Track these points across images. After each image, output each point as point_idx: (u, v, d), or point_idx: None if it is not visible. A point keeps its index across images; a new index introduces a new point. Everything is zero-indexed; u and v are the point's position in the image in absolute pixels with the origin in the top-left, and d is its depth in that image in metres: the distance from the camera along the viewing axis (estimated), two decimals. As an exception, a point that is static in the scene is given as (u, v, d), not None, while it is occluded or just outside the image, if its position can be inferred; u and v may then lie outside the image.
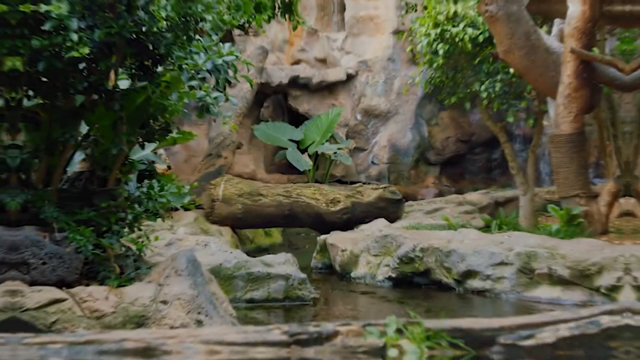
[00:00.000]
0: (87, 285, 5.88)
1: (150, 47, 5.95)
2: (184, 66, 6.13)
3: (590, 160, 16.12)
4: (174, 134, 6.89)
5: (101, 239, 6.07)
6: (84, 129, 6.43)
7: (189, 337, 3.12)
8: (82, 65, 5.86)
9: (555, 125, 10.14)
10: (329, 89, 17.34)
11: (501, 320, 3.20)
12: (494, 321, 3.21)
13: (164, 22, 5.88)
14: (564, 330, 3.18)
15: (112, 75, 5.89)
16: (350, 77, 17.33)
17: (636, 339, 3.14)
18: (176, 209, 7.11)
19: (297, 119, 17.09)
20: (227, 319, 6.07)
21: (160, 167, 8.45)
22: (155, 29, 5.81)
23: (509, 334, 3.18)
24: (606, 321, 3.19)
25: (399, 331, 3.17)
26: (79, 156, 6.70)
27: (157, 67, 6.18)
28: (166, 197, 6.66)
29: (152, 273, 6.15)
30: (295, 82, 16.99)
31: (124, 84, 6.25)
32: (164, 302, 5.66)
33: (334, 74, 17.21)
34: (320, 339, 3.11)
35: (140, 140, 6.61)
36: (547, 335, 3.16)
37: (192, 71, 6.19)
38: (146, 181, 6.77)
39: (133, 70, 6.20)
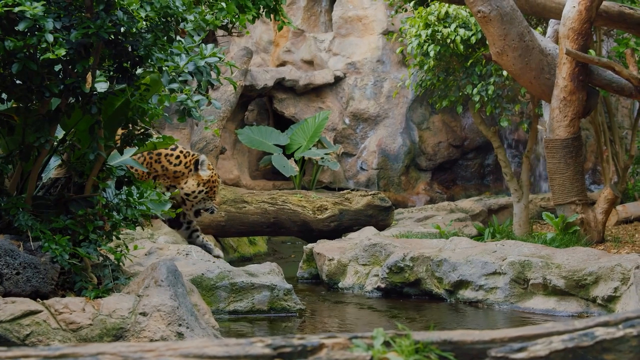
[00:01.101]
0: (63, 296, 5.90)
1: (129, 49, 5.86)
2: (164, 68, 5.99)
3: (587, 166, 16.08)
4: (154, 139, 6.77)
5: (78, 248, 6.00)
6: (59, 133, 6.41)
7: (168, 350, 2.97)
8: (57, 67, 5.80)
9: (550, 129, 10.08)
10: (316, 91, 17.17)
11: (492, 333, 3.09)
12: (485, 333, 3.09)
13: (144, 23, 5.79)
14: (557, 343, 3.05)
15: (89, 77, 5.84)
16: (338, 80, 17.16)
17: (631, 352, 3.06)
18: (156, 217, 6.98)
19: (283, 123, 16.92)
20: (209, 331, 6.03)
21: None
22: (134, 30, 5.74)
23: (500, 346, 3.06)
24: (601, 333, 3.07)
25: (386, 344, 3.05)
26: (54, 162, 6.62)
27: (136, 69, 6.06)
28: (146, 205, 6.53)
29: (131, 283, 6.10)
30: (280, 85, 16.82)
31: (101, 86, 6.12)
32: (143, 314, 5.66)
33: (321, 76, 17.03)
34: (305, 352, 2.98)
35: (119, 145, 6.48)
36: (539, 348, 3.04)
37: (173, 73, 6.08)
38: (125, 188, 6.64)
39: (111, 73, 6.08)
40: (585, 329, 3.12)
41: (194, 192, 9.06)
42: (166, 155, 8.98)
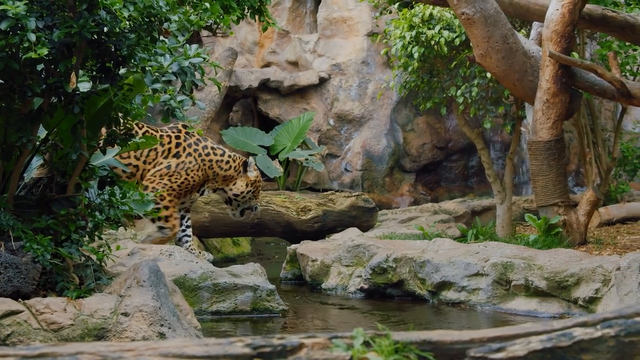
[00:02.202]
0: (45, 296, 5.85)
1: (112, 48, 5.82)
2: (147, 68, 5.99)
3: (570, 168, 16.14)
4: (137, 139, 6.75)
5: (60, 248, 5.96)
6: (42, 133, 6.34)
7: (148, 350, 2.94)
8: (40, 67, 5.77)
9: (533, 131, 10.08)
10: (300, 93, 17.15)
11: (471, 333, 3.08)
12: (464, 334, 3.08)
13: (127, 23, 5.75)
14: (535, 343, 3.05)
15: (72, 77, 5.77)
16: (322, 81, 17.14)
17: (609, 352, 3.06)
18: (139, 217, 6.95)
19: (268, 123, 16.90)
20: (192, 332, 6.05)
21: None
22: (117, 30, 5.70)
23: (479, 346, 3.05)
24: (579, 334, 3.07)
25: (366, 344, 3.03)
26: (36, 161, 6.56)
27: (119, 69, 6.03)
28: (128, 205, 6.49)
29: (113, 284, 6.08)
30: (265, 86, 16.79)
31: (84, 86, 6.07)
32: (125, 314, 5.66)
33: (306, 78, 17.01)
34: (284, 352, 2.97)
35: (102, 145, 6.43)
36: (518, 348, 3.04)
37: (157, 73, 6.08)
38: (107, 188, 6.60)
39: (94, 72, 6.05)
40: (564, 330, 3.13)
41: (242, 192, 9.58)
42: (217, 162, 9.38)
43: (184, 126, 9.36)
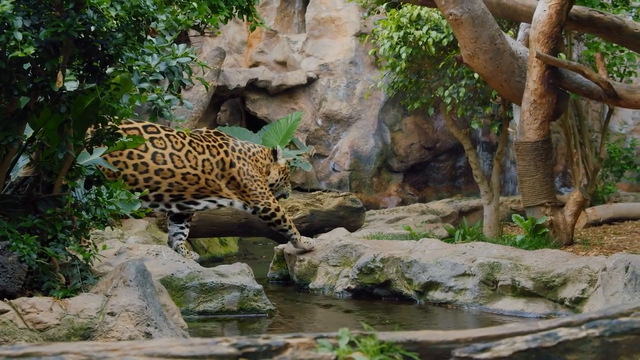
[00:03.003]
0: (31, 295, 5.83)
1: (99, 48, 5.81)
2: (134, 67, 5.98)
3: (557, 169, 16.18)
4: (124, 139, 6.72)
5: (46, 248, 5.95)
6: (28, 132, 6.31)
7: (133, 349, 2.96)
8: (26, 66, 5.75)
9: (521, 132, 10.09)
10: (288, 92, 17.13)
11: (457, 333, 3.11)
12: (449, 334, 3.11)
13: (114, 22, 5.74)
14: (520, 343, 3.09)
15: (59, 76, 5.76)
16: (310, 81, 17.13)
17: (593, 352, 3.09)
18: (126, 217, 6.93)
19: (256, 123, 16.88)
20: (178, 332, 6.07)
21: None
22: (104, 29, 5.69)
23: (464, 346, 3.08)
24: (564, 334, 3.11)
25: (351, 344, 3.06)
26: (23, 161, 6.53)
27: (106, 68, 6.02)
28: (115, 204, 6.47)
29: (100, 283, 6.06)
30: (253, 86, 16.77)
31: (71, 85, 6.08)
32: (112, 314, 5.66)
33: (294, 77, 17.00)
34: (270, 352, 2.99)
35: (88, 144, 6.43)
36: (503, 348, 3.07)
37: (144, 73, 6.06)
38: (94, 187, 6.59)
39: (81, 72, 6.05)
40: (549, 330, 3.15)
41: (277, 180, 9.71)
42: (256, 153, 9.49)
43: (216, 133, 9.47)
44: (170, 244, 9.44)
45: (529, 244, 9.64)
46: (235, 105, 17.60)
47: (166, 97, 6.19)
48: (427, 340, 3.10)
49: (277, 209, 9.34)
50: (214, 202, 9.20)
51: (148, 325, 5.67)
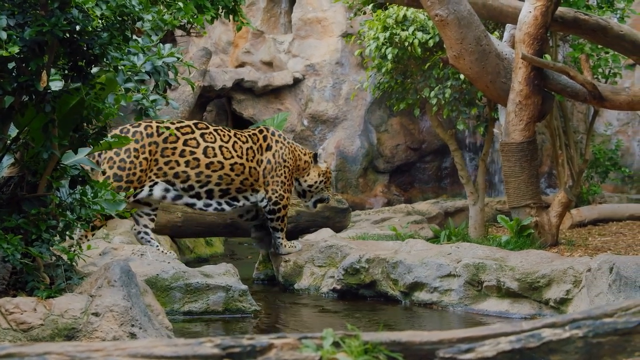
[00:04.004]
0: (14, 296, 5.79)
1: (85, 47, 5.78)
2: (120, 67, 5.96)
3: (543, 170, 16.22)
4: (109, 138, 6.69)
5: (30, 248, 5.89)
6: (13, 131, 6.24)
7: (116, 350, 2.95)
8: (11, 65, 5.68)
9: (506, 133, 10.10)
10: (274, 93, 17.13)
11: (441, 334, 3.10)
12: (433, 334, 3.11)
13: (99, 21, 5.71)
14: (504, 344, 3.09)
15: (43, 75, 5.72)
16: (297, 81, 17.13)
17: (577, 353, 3.09)
18: (112, 217, 6.91)
19: (242, 124, 16.83)
20: (163, 332, 6.04)
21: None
22: (89, 28, 5.65)
23: (448, 347, 3.08)
24: (547, 334, 3.10)
25: (336, 344, 3.05)
26: (7, 160, 6.43)
27: (91, 68, 5.98)
28: (100, 204, 6.43)
29: (84, 283, 6.04)
30: (239, 86, 16.75)
31: (56, 85, 6.01)
32: (96, 314, 5.64)
33: (280, 78, 16.99)
34: (254, 353, 2.97)
35: (74, 144, 6.36)
36: (487, 349, 3.07)
37: (129, 72, 6.05)
38: (79, 187, 6.53)
39: (66, 71, 6.01)
40: (532, 330, 3.15)
41: (315, 182, 9.93)
42: (296, 146, 9.80)
43: (266, 128, 9.78)
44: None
45: (514, 245, 9.64)
46: (221, 106, 17.58)
47: (151, 97, 6.16)
48: (411, 341, 3.10)
49: (285, 207, 9.56)
50: (248, 199, 9.48)
51: (132, 325, 5.65)
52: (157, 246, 9.25)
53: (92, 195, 6.44)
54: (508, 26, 11.02)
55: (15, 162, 6.42)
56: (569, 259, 8.49)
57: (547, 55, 10.50)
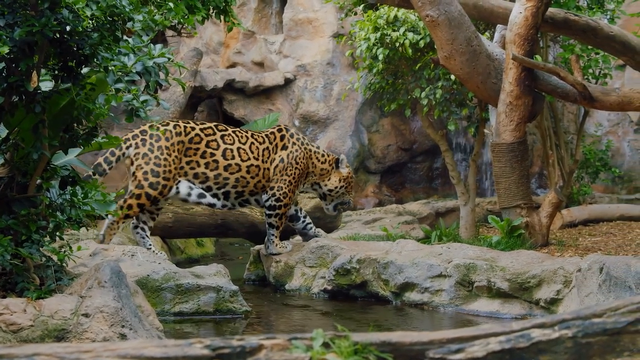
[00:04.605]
0: (4, 297, 5.78)
1: (75, 47, 5.78)
2: (110, 68, 5.94)
3: (533, 170, 16.24)
4: (100, 139, 6.67)
5: (20, 249, 5.89)
6: (2, 132, 6.21)
7: (106, 351, 2.95)
8: (1, 65, 5.68)
9: (497, 133, 10.11)
10: (266, 93, 17.10)
11: (431, 334, 3.12)
12: (423, 335, 3.12)
13: (89, 22, 5.72)
14: (494, 344, 3.10)
15: (33, 76, 5.72)
16: (288, 82, 17.11)
17: (566, 353, 3.11)
18: (102, 218, 6.89)
19: (233, 124, 16.53)
20: (153, 333, 6.02)
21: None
22: (79, 29, 5.66)
23: (438, 347, 3.09)
24: (537, 335, 3.12)
25: (325, 345, 3.05)
26: None
27: (81, 68, 5.99)
28: (90, 205, 6.44)
29: (74, 284, 6.02)
30: (230, 86, 16.72)
31: (46, 85, 6.04)
32: (86, 315, 5.63)
33: (272, 78, 16.97)
34: (243, 354, 2.98)
35: (64, 144, 6.38)
36: (477, 349, 3.08)
37: (120, 73, 6.01)
38: (69, 188, 6.52)
39: (56, 71, 6.00)
40: (522, 331, 3.16)
41: (336, 187, 10.04)
42: (315, 152, 9.93)
43: (286, 128, 9.91)
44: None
45: (504, 245, 9.65)
46: (212, 106, 17.55)
47: (142, 98, 6.13)
48: (401, 341, 3.10)
49: (286, 206, 9.63)
50: (258, 202, 9.67)
51: (123, 326, 5.64)
52: (150, 244, 9.27)
53: (82, 195, 6.44)
54: (499, 27, 11.03)
55: (5, 163, 6.39)
56: (560, 259, 8.51)
57: (537, 56, 10.51)
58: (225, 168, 9.29)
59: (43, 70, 6.05)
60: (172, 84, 13.61)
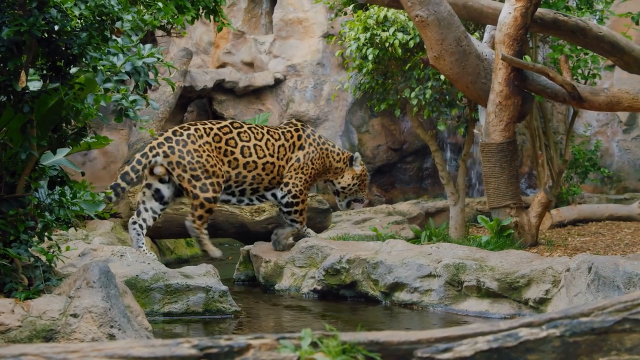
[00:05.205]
0: (-8, 297, 5.74)
1: (63, 47, 5.80)
2: (98, 67, 5.95)
3: (523, 170, 16.27)
4: (89, 139, 6.67)
5: (8, 249, 5.92)
6: (-10, 132, 6.24)
7: (93, 351, 2.95)
8: (-11, 65, 5.69)
9: (486, 133, 10.12)
10: (255, 93, 17.09)
11: (419, 334, 3.13)
12: (411, 334, 3.13)
13: (78, 21, 5.76)
14: (482, 344, 3.11)
15: (22, 75, 5.75)
16: (278, 82, 17.11)
17: (554, 352, 3.12)
18: (91, 218, 6.88)
19: (223, 124, 16.75)
20: (142, 333, 6.05)
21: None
22: (68, 28, 5.69)
23: (426, 347, 3.10)
24: (525, 334, 3.14)
25: (314, 344, 3.06)
26: None
27: (70, 68, 6.01)
28: (79, 205, 6.45)
29: (63, 285, 6.04)
30: (220, 86, 16.71)
31: (34, 85, 6.06)
32: (74, 316, 5.64)
33: (261, 78, 16.97)
34: (231, 353, 2.98)
35: (52, 144, 6.40)
36: (465, 349, 3.09)
37: (108, 73, 6.02)
38: (58, 188, 6.55)
39: (44, 71, 6.02)
40: (510, 330, 3.17)
41: (349, 184, 10.26)
42: (331, 151, 10.08)
43: (298, 120, 10.16)
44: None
45: (494, 245, 9.64)
46: (202, 106, 17.53)
47: (131, 98, 6.15)
48: (389, 341, 3.10)
49: (303, 202, 9.83)
50: (276, 196, 9.82)
51: (111, 326, 5.66)
52: (143, 243, 9.26)
53: (71, 196, 6.44)
54: (488, 27, 11.04)
55: (-7, 163, 6.44)
56: (549, 259, 8.53)
57: (526, 56, 10.52)
58: (244, 166, 9.45)
59: (31, 70, 6.09)
60: (161, 84, 13.56)
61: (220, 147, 9.33)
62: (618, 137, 16.86)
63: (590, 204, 14.68)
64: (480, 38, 11.37)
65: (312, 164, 9.80)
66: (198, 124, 9.42)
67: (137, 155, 9.02)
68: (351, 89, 12.70)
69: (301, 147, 9.79)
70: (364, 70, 11.80)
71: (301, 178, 9.72)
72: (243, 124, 9.63)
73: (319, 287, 9.06)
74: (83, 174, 8.68)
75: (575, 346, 3.13)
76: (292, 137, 9.79)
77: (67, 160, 6.99)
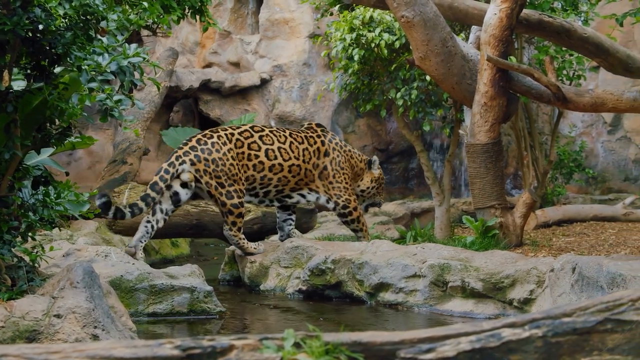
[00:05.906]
0: (-25, 298, 5.71)
1: (47, 47, 5.78)
2: (83, 67, 5.93)
3: (508, 171, 16.32)
4: (73, 139, 6.65)
5: (-9, 249, 5.82)
6: (-27, 132, 6.19)
7: (75, 352, 2.93)
8: (-28, 65, 5.67)
9: (471, 134, 10.14)
10: (241, 93, 17.09)
11: (402, 334, 3.14)
12: (394, 334, 3.14)
13: (62, 20, 5.72)
14: (464, 344, 3.13)
15: (5, 75, 5.74)
16: (264, 82, 17.11)
17: (536, 352, 3.14)
18: (75, 218, 6.85)
19: (209, 124, 16.67)
20: (126, 334, 6.01)
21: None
22: (52, 27, 5.65)
23: (409, 347, 3.10)
24: (507, 334, 3.16)
25: (297, 345, 3.07)
26: None
27: (54, 68, 5.98)
28: (63, 205, 6.43)
29: (46, 285, 6.00)
30: (206, 86, 16.70)
31: (18, 84, 6.04)
32: (58, 316, 5.60)
33: (247, 79, 16.96)
34: (214, 354, 2.98)
35: (37, 144, 6.36)
36: (447, 349, 3.11)
37: (93, 72, 5.99)
38: (42, 188, 6.53)
39: (29, 71, 5.99)
40: (493, 330, 3.17)
41: (368, 187, 10.30)
42: (353, 153, 10.11)
43: (318, 125, 10.11)
44: (281, 229, 10.16)
45: (479, 246, 9.67)
46: (188, 106, 17.51)
47: (116, 97, 6.12)
48: (372, 341, 3.11)
49: (355, 209, 9.88)
50: (304, 196, 9.82)
51: (95, 327, 5.62)
52: (145, 241, 9.24)
53: (55, 196, 6.42)
54: (474, 28, 11.07)
55: (-23, 163, 6.41)
56: (533, 259, 8.54)
57: (512, 57, 10.56)
58: (270, 169, 9.45)
59: (15, 70, 6.07)
60: (147, 83, 13.57)
61: (243, 152, 9.31)
62: (603, 138, 16.94)
63: (575, 204, 14.75)
64: (466, 39, 11.40)
65: (342, 168, 9.83)
66: (219, 130, 9.41)
67: (165, 165, 9.01)
68: (337, 90, 12.72)
69: (326, 154, 9.81)
70: (350, 71, 11.82)
71: (339, 187, 9.77)
72: (264, 128, 9.63)
73: (304, 288, 9.05)
74: (67, 173, 8.66)
75: (558, 346, 3.15)
76: (315, 142, 9.79)
77: (51, 160, 6.96)
